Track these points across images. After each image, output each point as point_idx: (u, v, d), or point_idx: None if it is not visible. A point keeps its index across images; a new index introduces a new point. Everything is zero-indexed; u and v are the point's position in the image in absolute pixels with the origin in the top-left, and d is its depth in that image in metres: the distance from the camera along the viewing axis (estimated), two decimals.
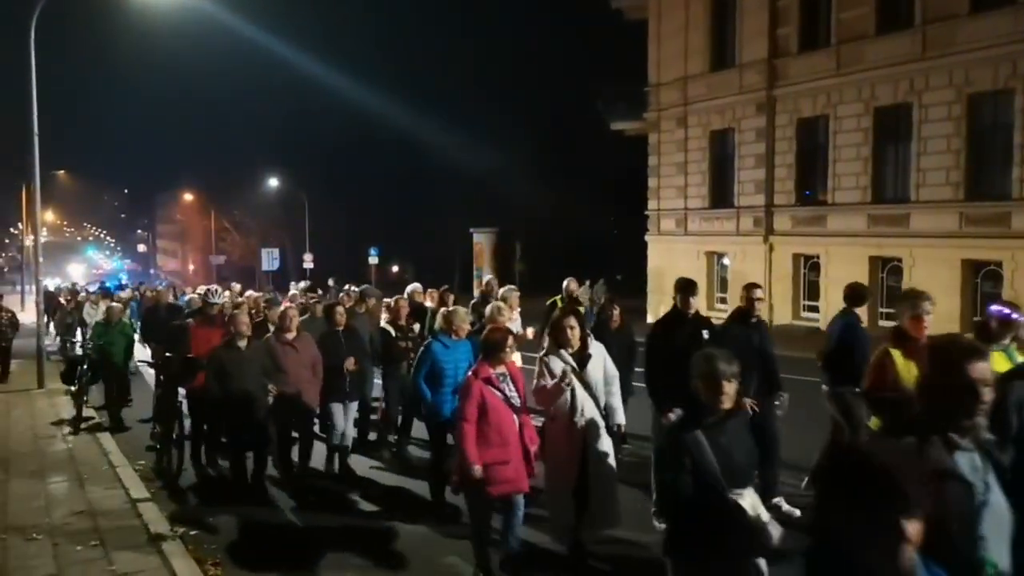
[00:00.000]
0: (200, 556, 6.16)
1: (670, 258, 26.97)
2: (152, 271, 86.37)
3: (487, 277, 11.24)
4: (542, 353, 5.76)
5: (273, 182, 52.55)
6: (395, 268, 53.35)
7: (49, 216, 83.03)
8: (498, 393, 5.40)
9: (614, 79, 30.39)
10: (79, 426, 10.81)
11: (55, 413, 12.12)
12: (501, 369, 5.54)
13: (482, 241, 37.45)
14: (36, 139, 15.20)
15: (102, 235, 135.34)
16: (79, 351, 11.69)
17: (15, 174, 39.35)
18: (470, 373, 5.57)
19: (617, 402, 5.84)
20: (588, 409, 5.52)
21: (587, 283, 22.92)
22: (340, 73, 47.76)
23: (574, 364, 5.58)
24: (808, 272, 23.29)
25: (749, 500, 3.67)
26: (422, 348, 7.14)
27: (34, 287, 18.27)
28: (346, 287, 20.32)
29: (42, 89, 15.22)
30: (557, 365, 5.57)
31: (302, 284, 19.50)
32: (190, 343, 8.75)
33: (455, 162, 45.07)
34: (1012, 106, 18.07)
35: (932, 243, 19.41)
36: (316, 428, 8.60)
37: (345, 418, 8.40)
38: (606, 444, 5.60)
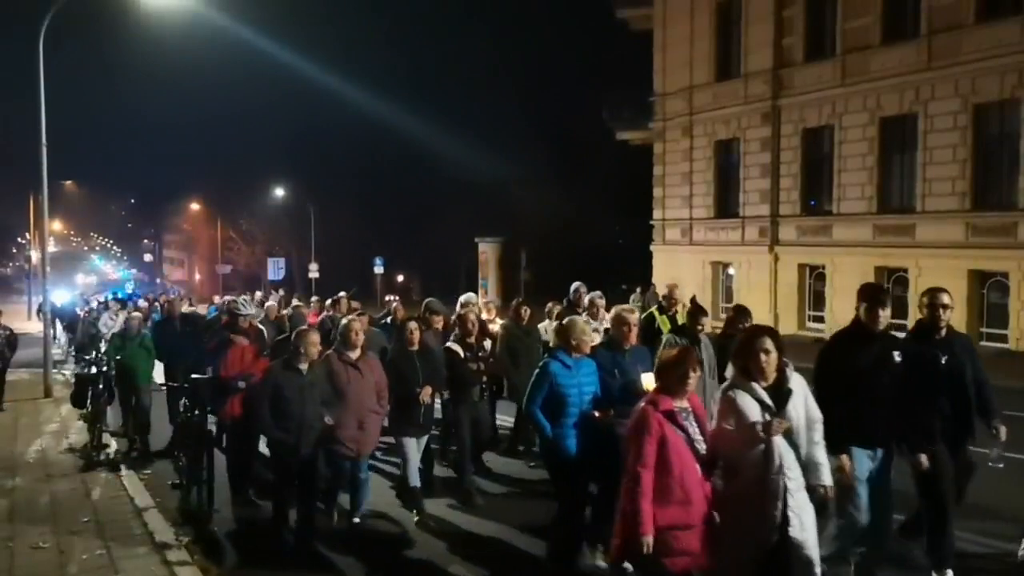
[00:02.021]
0: None
1: (675, 268, 26.93)
2: (158, 280, 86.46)
3: (575, 284, 9.80)
4: (725, 386, 4.45)
5: (279, 191, 52.79)
6: (400, 277, 53.38)
7: (56, 226, 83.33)
8: (681, 434, 4.25)
9: (620, 89, 30.51)
10: (95, 456, 9.49)
11: (64, 426, 11.96)
12: (683, 403, 4.39)
13: (487, 250, 37.52)
14: (44, 149, 15.28)
15: (109, 245, 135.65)
16: (92, 368, 10.35)
17: (23, 184, 39.63)
18: (645, 404, 4.38)
19: (822, 455, 4.42)
20: (788, 462, 4.21)
21: (638, 291, 22.78)
22: (347, 82, 48.09)
23: (771, 403, 4.26)
24: (813, 282, 23.24)
25: None
26: (537, 370, 5.78)
27: (41, 297, 18.35)
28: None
29: (50, 99, 15.27)
30: (748, 405, 4.25)
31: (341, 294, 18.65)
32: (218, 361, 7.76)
33: (460, 171, 45.21)
34: (1018, 116, 18.07)
35: (938, 253, 19.35)
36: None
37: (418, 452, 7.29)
38: (808, 510, 4.26)
